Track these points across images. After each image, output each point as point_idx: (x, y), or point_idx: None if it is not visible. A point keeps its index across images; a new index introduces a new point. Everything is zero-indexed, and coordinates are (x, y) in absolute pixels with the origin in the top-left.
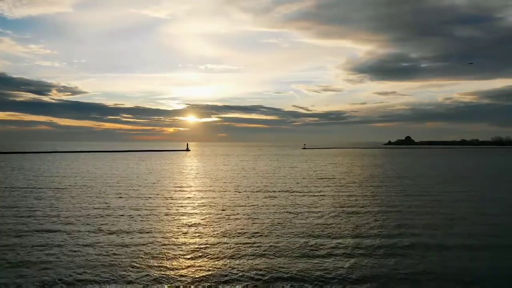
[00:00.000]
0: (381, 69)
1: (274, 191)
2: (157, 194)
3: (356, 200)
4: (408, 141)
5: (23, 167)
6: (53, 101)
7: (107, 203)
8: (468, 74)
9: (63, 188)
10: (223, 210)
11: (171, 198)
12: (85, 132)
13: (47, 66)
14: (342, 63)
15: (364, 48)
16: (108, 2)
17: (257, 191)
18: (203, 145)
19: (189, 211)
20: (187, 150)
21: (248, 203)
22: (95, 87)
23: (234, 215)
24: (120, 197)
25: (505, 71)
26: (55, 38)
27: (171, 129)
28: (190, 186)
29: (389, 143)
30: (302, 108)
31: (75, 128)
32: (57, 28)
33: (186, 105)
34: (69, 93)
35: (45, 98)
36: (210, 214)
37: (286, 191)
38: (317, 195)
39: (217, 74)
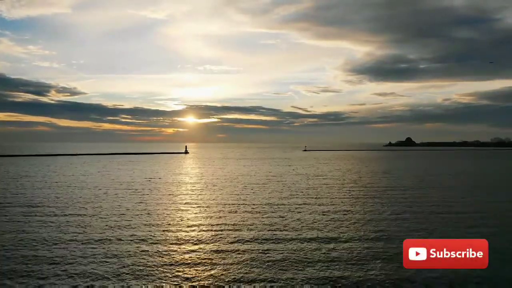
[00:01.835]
0: (380, 70)
1: (282, 208)
2: (147, 215)
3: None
4: (409, 142)
5: (8, 173)
6: (52, 101)
7: (80, 226)
8: (467, 75)
9: (35, 206)
10: (222, 231)
11: (162, 220)
12: (84, 133)
13: (45, 67)
14: (341, 64)
15: (362, 49)
16: (106, 3)
17: (263, 208)
18: (202, 146)
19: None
20: (186, 152)
21: (254, 224)
22: (94, 88)
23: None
24: (100, 217)
25: (503, 72)
26: (54, 39)
27: (170, 130)
28: (187, 203)
29: (390, 144)
30: (301, 109)
31: (74, 129)
32: (56, 29)
33: (185, 106)
34: (68, 94)
35: (44, 99)
36: (207, 238)
37: (295, 208)
38: (334, 215)
39: (216, 75)
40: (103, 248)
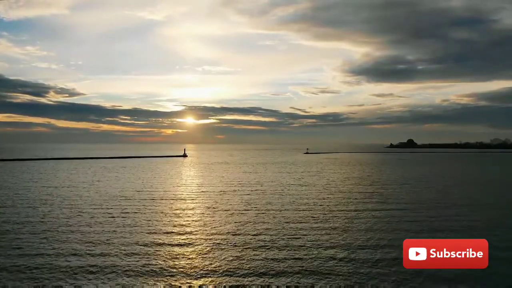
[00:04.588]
0: (378, 71)
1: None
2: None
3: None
4: (410, 144)
5: None
6: (50, 102)
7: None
8: (465, 76)
9: None
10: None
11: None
12: (82, 134)
13: (44, 67)
14: (339, 65)
15: (360, 50)
16: (103, 4)
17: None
18: (201, 149)
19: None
20: (184, 156)
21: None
22: (92, 89)
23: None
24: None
25: (501, 73)
26: (52, 39)
27: (169, 131)
28: (181, 225)
29: (391, 145)
30: (299, 110)
31: (73, 129)
32: (54, 30)
33: (184, 107)
34: (67, 95)
35: (42, 100)
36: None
37: (313, 239)
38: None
39: (215, 76)
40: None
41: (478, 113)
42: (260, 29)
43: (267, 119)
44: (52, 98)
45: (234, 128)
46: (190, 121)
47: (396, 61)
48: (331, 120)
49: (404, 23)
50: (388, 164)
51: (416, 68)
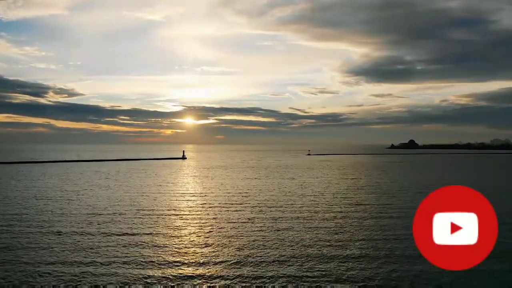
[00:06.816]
0: (377, 72)
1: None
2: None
3: None
4: (412, 145)
5: None
6: (50, 103)
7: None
8: (464, 76)
9: None
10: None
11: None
12: (82, 134)
13: (43, 68)
14: (338, 65)
15: (359, 51)
16: (102, 5)
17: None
18: (201, 150)
19: None
20: (183, 158)
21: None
22: (91, 89)
23: None
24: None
25: (500, 74)
26: (51, 40)
27: (168, 131)
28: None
29: (392, 146)
30: (299, 110)
31: (73, 130)
32: (52, 30)
33: (183, 107)
34: (66, 95)
35: (42, 100)
36: None
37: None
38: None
39: (214, 76)
40: None
41: (477, 114)
42: (258, 30)
43: (266, 120)
44: (51, 98)
45: (234, 129)
46: (189, 121)
47: (395, 62)
48: (331, 120)
49: (402, 24)
50: (395, 168)
51: (415, 69)
